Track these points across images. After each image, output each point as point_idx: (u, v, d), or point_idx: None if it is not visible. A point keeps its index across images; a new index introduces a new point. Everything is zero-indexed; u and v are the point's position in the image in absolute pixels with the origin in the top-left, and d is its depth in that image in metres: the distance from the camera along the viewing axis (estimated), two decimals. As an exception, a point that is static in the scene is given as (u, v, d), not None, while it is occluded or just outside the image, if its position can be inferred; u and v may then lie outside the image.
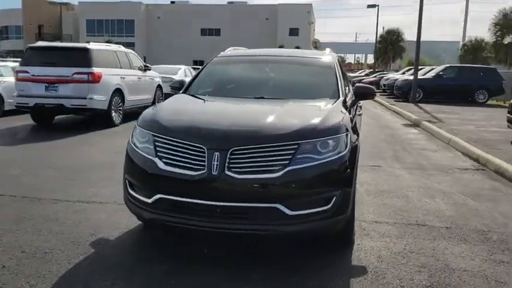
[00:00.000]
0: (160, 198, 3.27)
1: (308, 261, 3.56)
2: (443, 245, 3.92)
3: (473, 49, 45.46)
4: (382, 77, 30.04)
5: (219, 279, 3.23)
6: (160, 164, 3.29)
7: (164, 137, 3.39)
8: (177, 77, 15.03)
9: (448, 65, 22.54)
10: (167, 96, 6.05)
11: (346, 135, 3.42)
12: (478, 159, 7.44)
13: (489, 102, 21.31)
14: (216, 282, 3.19)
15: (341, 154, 3.30)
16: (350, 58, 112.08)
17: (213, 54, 5.62)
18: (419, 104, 18.84)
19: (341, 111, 3.80)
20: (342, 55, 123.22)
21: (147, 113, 3.89)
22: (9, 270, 3.28)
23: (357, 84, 5.29)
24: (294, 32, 60.43)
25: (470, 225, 4.45)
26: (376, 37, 45.76)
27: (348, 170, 3.35)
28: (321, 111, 3.74)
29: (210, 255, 3.65)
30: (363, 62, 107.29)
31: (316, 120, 3.48)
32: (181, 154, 3.27)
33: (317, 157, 3.21)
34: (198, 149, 3.21)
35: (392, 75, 27.12)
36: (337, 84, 4.53)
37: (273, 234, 3.24)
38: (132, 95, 11.64)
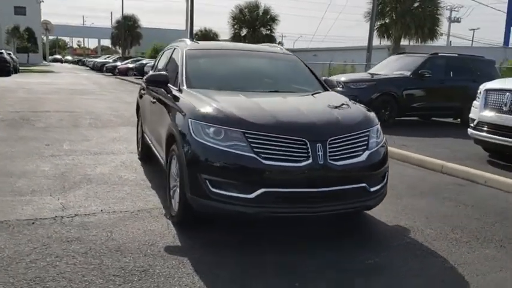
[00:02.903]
0: (264, 192, 3.43)
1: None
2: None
3: (204, 38, 50.82)
4: (143, 63, 30.42)
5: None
6: (261, 160, 3.43)
7: (261, 133, 3.51)
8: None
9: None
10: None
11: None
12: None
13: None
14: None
15: (384, 138, 4.10)
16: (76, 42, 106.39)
17: None
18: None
19: (353, 103, 4.47)
20: (68, 39, 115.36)
21: (211, 110, 3.76)
22: None
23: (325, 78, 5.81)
24: (20, 11, 53.86)
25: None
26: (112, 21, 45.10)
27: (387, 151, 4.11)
28: (350, 104, 4.32)
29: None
30: (91, 46, 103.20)
31: (366, 111, 4.16)
32: (281, 148, 3.49)
33: (378, 140, 3.97)
34: (299, 142, 3.51)
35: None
36: (317, 77, 5.21)
37: (359, 210, 3.83)
38: None
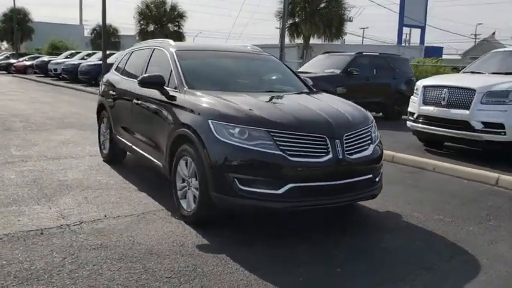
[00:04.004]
0: (291, 187, 3.67)
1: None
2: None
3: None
4: (45, 60, 28.50)
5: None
6: (287, 157, 3.66)
7: (285, 132, 3.73)
8: None
9: (129, 51, 23.83)
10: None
11: None
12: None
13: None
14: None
15: (378, 133, 4.53)
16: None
17: None
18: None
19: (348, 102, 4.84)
20: None
21: (232, 111, 3.88)
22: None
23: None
24: None
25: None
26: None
27: None
28: (348, 102, 4.69)
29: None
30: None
31: (363, 109, 4.55)
32: (304, 145, 3.75)
33: (376, 135, 4.39)
34: (319, 139, 3.80)
35: (64, 60, 26.27)
36: (298, 76, 5.52)
37: (368, 199, 4.22)
38: None
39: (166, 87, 4.63)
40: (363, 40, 66.85)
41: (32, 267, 3.20)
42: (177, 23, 36.49)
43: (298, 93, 5.01)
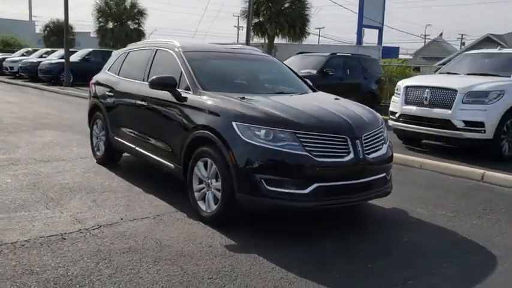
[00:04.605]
0: (317, 186, 3.79)
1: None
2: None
3: (56, 30, 47.42)
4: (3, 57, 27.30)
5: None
6: (313, 157, 3.78)
7: (310, 133, 3.84)
8: None
9: (92, 49, 23.32)
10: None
11: None
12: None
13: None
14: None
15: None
16: None
17: None
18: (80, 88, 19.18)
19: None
20: None
21: (257, 113, 3.95)
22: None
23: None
24: None
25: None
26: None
27: None
28: (358, 104, 4.86)
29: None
30: None
31: (373, 110, 4.73)
32: (327, 145, 3.88)
33: (387, 135, 4.57)
34: (341, 139, 3.94)
35: (21, 58, 25.27)
36: (299, 76, 5.64)
37: (382, 196, 4.39)
38: None
39: (178, 89, 4.62)
40: (319, 40, 67.96)
41: (68, 273, 3.15)
42: (137, 21, 35.77)
43: (306, 94, 5.12)
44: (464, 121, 7.26)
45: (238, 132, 3.83)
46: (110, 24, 35.56)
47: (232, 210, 3.98)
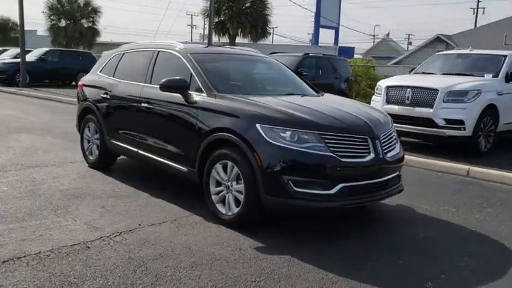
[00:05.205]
0: (342, 187, 3.88)
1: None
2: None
3: (2, 28, 45.61)
4: None
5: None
6: (338, 158, 3.86)
7: (334, 134, 3.91)
8: None
9: (49, 49, 22.52)
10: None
11: None
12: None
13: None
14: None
15: None
16: None
17: None
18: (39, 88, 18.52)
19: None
20: None
21: (281, 115, 3.99)
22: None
23: None
24: None
25: None
26: None
27: None
28: (367, 104, 5.01)
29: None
30: None
31: (383, 111, 4.87)
32: (349, 146, 3.96)
33: (397, 135, 4.72)
34: (362, 139, 4.04)
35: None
36: (302, 78, 5.72)
37: (396, 194, 4.52)
38: None
39: (190, 91, 4.57)
40: (272, 39, 68.44)
41: (108, 282, 3.08)
42: (91, 19, 34.75)
43: (316, 95, 5.19)
44: (445, 119, 7.59)
45: (263, 134, 3.85)
46: (63, 23, 34.41)
47: (256, 212, 4.00)
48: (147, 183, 5.48)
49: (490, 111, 7.83)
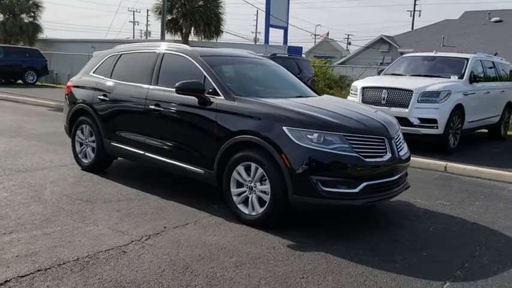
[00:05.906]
0: (366, 185, 4.10)
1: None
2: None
3: None
4: None
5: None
6: (362, 158, 4.08)
7: (357, 135, 4.14)
8: None
9: (-8, 45, 21.32)
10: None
11: None
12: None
13: (38, 83, 22.31)
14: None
15: None
16: None
17: None
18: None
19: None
20: None
21: (307, 117, 4.16)
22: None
23: None
24: None
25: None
26: None
27: None
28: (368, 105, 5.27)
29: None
30: None
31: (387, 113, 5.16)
32: (370, 146, 4.20)
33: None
34: (381, 140, 4.30)
35: None
36: (301, 80, 5.91)
37: (404, 190, 4.80)
38: None
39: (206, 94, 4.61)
40: (217, 38, 68.11)
41: (164, 285, 3.10)
42: (32, 14, 33.12)
43: (323, 96, 5.39)
44: (419, 118, 8.06)
45: (291, 136, 3.98)
46: (1, 17, 32.55)
47: (282, 211, 4.13)
48: (150, 185, 5.45)
49: (458, 111, 8.40)
